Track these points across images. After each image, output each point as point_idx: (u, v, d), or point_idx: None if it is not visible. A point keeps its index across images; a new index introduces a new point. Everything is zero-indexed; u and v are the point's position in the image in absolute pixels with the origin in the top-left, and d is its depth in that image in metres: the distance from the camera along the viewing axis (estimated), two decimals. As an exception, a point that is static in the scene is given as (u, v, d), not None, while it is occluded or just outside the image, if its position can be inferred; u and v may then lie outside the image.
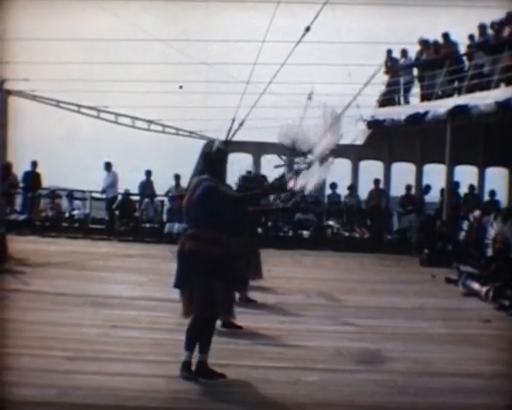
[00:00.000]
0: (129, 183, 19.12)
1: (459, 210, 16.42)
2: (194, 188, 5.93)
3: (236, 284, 6.30)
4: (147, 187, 19.11)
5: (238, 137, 15.20)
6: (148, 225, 18.18)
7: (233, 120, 14.39)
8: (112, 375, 5.90)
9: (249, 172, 9.05)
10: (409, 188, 18.98)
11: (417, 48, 17.97)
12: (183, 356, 5.89)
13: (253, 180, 9.04)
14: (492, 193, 18.21)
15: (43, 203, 18.76)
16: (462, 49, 16.64)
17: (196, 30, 16.96)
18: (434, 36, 17.26)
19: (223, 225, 5.94)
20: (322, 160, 7.35)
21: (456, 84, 16.18)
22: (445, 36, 16.70)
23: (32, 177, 18.83)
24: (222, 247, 5.90)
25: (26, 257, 12.39)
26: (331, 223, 18.17)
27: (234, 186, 8.82)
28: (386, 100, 18.67)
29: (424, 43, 17.59)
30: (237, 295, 9.03)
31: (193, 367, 5.88)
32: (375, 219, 18.43)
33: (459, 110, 14.93)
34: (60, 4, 16.20)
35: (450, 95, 15.98)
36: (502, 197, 18.32)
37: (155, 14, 17.14)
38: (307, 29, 11.24)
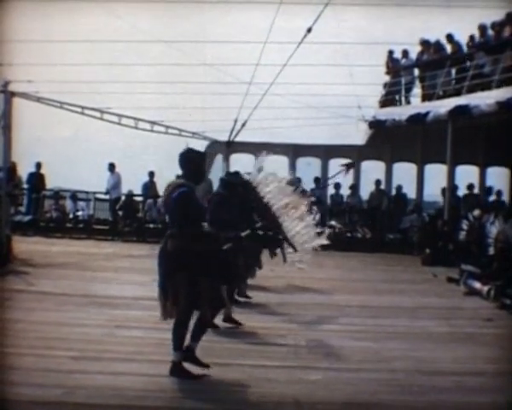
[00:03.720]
0: (132, 184, 19.21)
1: (459, 210, 16.50)
2: (172, 190, 5.94)
3: (224, 278, 6.30)
4: (150, 188, 19.19)
5: (240, 138, 15.33)
6: (151, 226, 18.26)
7: (235, 121, 14.48)
8: (116, 375, 5.94)
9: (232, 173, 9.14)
10: (399, 188, 19.06)
11: (418, 48, 18.03)
12: (171, 356, 5.94)
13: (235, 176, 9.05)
14: (499, 193, 18.19)
15: (47, 204, 18.85)
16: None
17: (196, 31, 17.01)
18: (434, 36, 17.34)
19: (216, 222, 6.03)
20: None
21: (457, 84, 16.24)
22: (449, 36, 16.75)
23: (37, 178, 18.91)
24: (205, 243, 5.92)
25: (30, 258, 12.46)
26: (333, 223, 18.20)
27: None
28: (388, 100, 18.72)
29: (425, 43, 17.63)
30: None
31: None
32: (376, 219, 18.47)
33: (460, 110, 14.96)
34: (62, 6, 16.26)
35: (451, 95, 16.01)
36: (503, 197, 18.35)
37: (156, 16, 17.17)
38: (309, 30, 11.30)
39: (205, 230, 6.03)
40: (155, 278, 10.66)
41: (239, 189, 8.73)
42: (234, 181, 8.73)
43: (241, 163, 18.42)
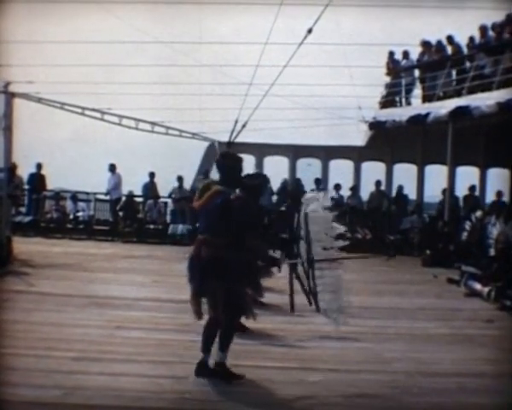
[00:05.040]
0: (132, 184, 19.23)
1: (458, 211, 16.50)
2: (213, 195, 5.83)
3: (253, 285, 6.30)
4: (150, 189, 19.20)
5: (241, 139, 15.29)
6: (151, 227, 18.27)
7: (236, 122, 14.44)
8: (116, 375, 5.93)
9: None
10: (399, 189, 19.06)
11: (418, 49, 18.05)
12: (199, 358, 5.92)
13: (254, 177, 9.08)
14: (499, 194, 18.17)
15: (47, 205, 18.85)
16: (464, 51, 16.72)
17: (197, 32, 17.02)
18: (434, 38, 17.35)
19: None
20: None
21: (457, 85, 16.25)
22: (450, 38, 16.76)
23: (37, 179, 18.92)
24: (237, 251, 5.87)
25: (30, 258, 12.45)
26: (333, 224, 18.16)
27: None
28: (388, 101, 18.73)
29: (426, 44, 17.64)
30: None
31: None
32: (376, 220, 18.47)
33: (461, 111, 14.97)
34: (63, 7, 16.28)
35: (451, 96, 16.02)
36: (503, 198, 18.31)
37: (156, 17, 17.20)
38: (309, 31, 11.28)
39: (245, 241, 5.98)
40: (155, 278, 10.67)
41: (258, 191, 8.76)
42: (254, 184, 8.73)
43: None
